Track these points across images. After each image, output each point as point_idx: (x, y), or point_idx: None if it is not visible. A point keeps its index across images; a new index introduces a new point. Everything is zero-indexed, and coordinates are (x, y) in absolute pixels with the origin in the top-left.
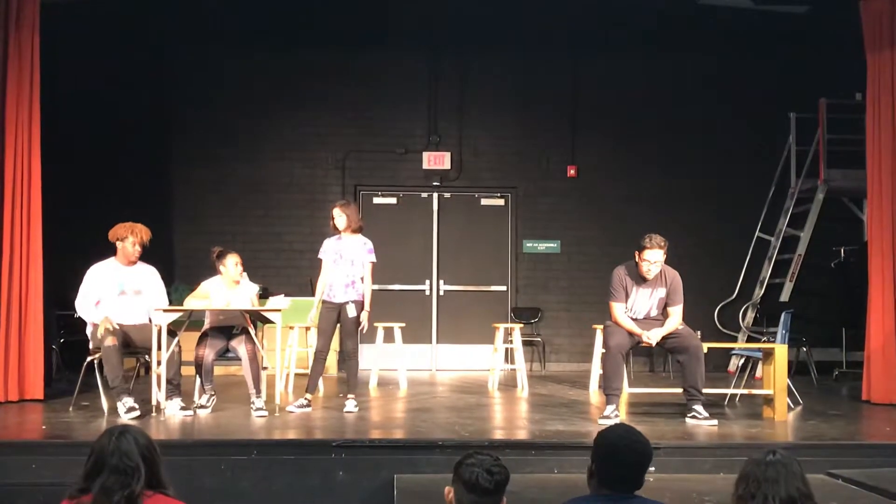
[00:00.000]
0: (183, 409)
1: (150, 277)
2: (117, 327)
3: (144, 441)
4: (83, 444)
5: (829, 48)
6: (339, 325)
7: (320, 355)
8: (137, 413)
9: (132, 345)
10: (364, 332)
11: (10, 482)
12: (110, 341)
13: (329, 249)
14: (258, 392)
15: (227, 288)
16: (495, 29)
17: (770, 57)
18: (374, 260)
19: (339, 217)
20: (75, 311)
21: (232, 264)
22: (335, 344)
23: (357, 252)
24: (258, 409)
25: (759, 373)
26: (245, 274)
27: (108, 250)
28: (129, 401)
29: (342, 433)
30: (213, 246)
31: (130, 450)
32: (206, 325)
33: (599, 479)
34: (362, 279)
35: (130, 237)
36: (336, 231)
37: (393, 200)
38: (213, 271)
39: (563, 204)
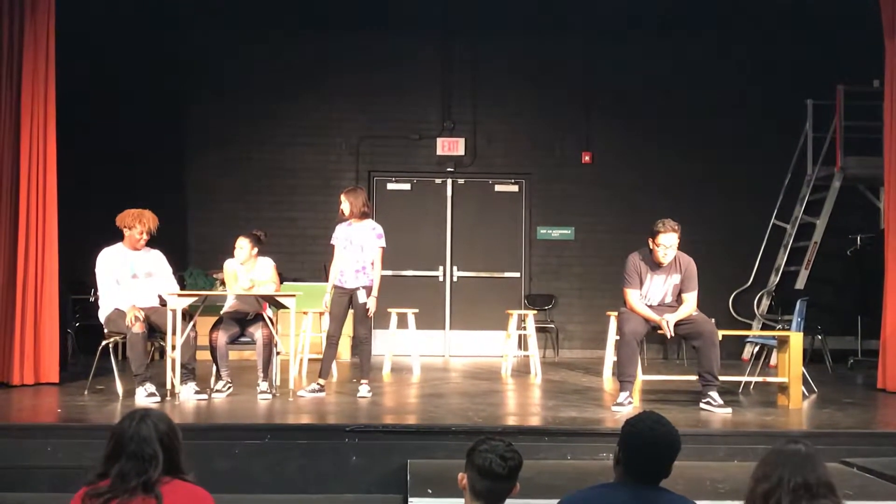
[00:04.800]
0: (197, 393)
1: (158, 260)
2: (142, 315)
3: (164, 427)
4: (98, 427)
5: (846, 34)
6: (351, 311)
7: (332, 340)
8: (157, 399)
9: (152, 328)
10: (372, 317)
11: (26, 464)
12: (138, 328)
13: (340, 236)
14: (265, 375)
15: (245, 268)
16: (510, 14)
17: (787, 43)
18: (384, 245)
19: (344, 203)
20: (90, 296)
21: (238, 249)
22: (348, 329)
23: (366, 238)
24: (262, 391)
25: (773, 361)
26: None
27: (122, 235)
28: (150, 387)
29: (355, 418)
30: (226, 230)
31: (149, 436)
32: (226, 309)
33: (625, 467)
34: (373, 264)
35: (138, 226)
36: (345, 218)
37: (407, 186)
38: (226, 255)
39: (577, 190)
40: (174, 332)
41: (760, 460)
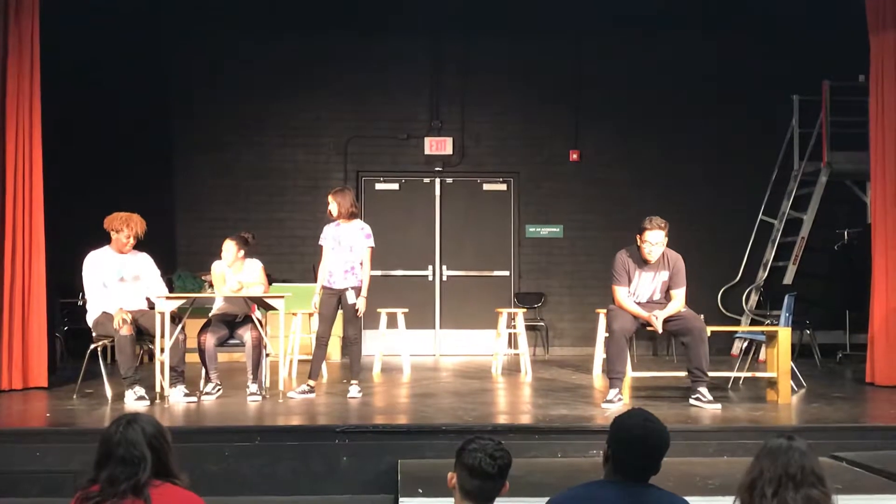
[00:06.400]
0: (187, 395)
1: (146, 263)
2: (130, 318)
3: (153, 430)
4: (87, 431)
5: (832, 30)
6: (341, 312)
7: (321, 341)
8: (146, 402)
9: (140, 331)
10: (361, 317)
11: (15, 469)
12: (126, 331)
13: (328, 236)
14: (254, 377)
15: (233, 270)
16: (497, 13)
17: (773, 39)
18: (373, 245)
19: (332, 204)
20: (79, 299)
21: (225, 251)
22: (338, 329)
23: (355, 238)
24: (252, 393)
25: (762, 356)
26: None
27: (110, 237)
28: (139, 390)
29: (346, 419)
30: (215, 232)
31: (137, 439)
32: (215, 311)
33: (615, 464)
34: (361, 265)
35: (125, 230)
36: (333, 218)
37: (395, 186)
38: (214, 257)
39: (565, 188)
40: (163, 335)
41: (756, 455)
